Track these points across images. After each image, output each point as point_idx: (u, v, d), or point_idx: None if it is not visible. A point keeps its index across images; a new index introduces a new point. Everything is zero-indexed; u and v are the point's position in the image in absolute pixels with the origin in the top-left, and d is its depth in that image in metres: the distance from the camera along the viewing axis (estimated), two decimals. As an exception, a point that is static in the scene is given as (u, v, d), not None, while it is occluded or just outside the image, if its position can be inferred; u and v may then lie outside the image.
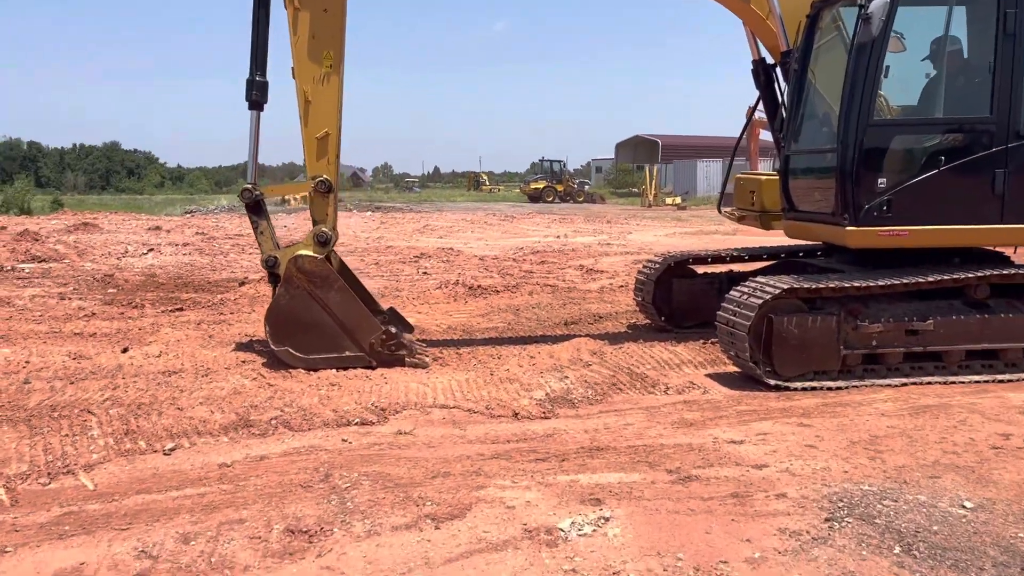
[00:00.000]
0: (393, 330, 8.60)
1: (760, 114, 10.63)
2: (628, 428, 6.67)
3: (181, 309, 11.90)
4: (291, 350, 8.45)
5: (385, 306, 12.04)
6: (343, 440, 6.30)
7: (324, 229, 8.67)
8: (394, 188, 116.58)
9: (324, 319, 8.50)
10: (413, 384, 7.90)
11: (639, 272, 10.79)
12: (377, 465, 5.73)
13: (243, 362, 8.75)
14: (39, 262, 15.46)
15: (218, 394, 7.45)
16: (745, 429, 6.61)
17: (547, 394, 7.57)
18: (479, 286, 13.79)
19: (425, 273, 15.53)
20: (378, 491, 5.22)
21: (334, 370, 8.40)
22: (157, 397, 7.34)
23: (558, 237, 25.73)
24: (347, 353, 8.54)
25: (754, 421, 6.85)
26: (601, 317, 11.46)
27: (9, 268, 14.46)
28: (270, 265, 8.65)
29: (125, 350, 9.10)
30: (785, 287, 7.77)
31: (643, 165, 65.63)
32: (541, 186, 60.94)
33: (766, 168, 28.51)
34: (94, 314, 11.23)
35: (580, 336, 9.95)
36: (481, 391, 7.67)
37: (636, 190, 62.63)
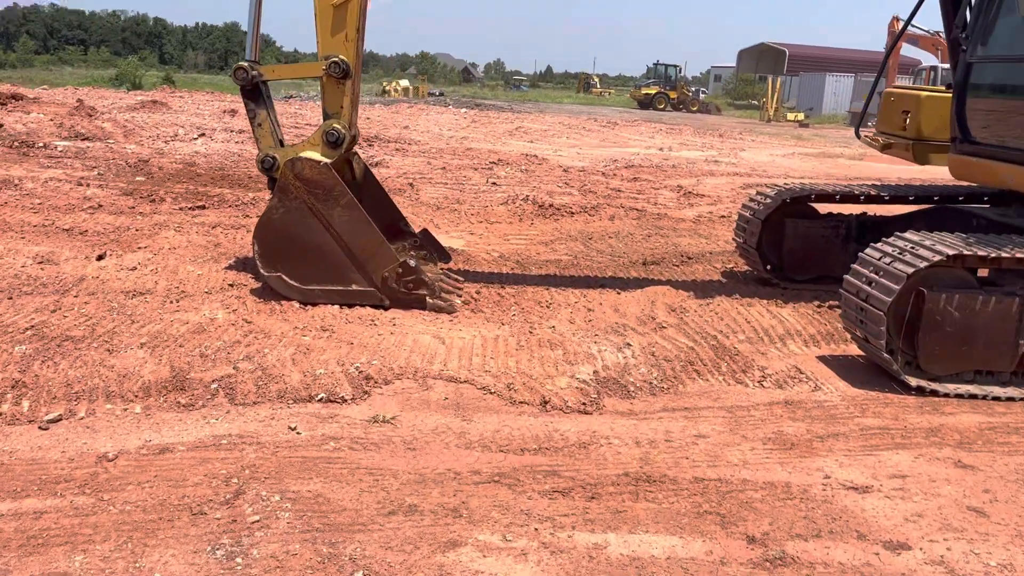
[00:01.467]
0: (412, 263, 6.70)
1: (912, 28, 7.94)
2: (699, 443, 4.64)
3: (203, 207, 10.32)
4: (284, 277, 6.69)
5: (430, 225, 10.19)
6: (290, 428, 4.51)
7: (336, 126, 6.74)
8: (503, 86, 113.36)
9: (326, 242, 6.66)
10: (425, 338, 6.04)
11: (744, 206, 8.48)
12: (318, 480, 3.93)
13: (231, 284, 7.07)
14: (81, 140, 14.22)
15: (172, 331, 5.78)
16: (873, 463, 4.49)
17: (595, 373, 5.58)
18: (551, 205, 11.70)
19: (494, 184, 13.51)
20: (294, 538, 3.42)
21: (337, 307, 6.63)
22: (94, 330, 5.73)
23: (660, 150, 23.10)
24: (353, 287, 6.72)
25: (886, 449, 4.71)
26: (691, 258, 9.25)
27: (42, 145, 13.23)
28: (267, 167, 6.82)
29: (100, 257, 7.55)
30: (950, 251, 5.44)
31: (766, 76, 60.60)
32: (652, 92, 57.04)
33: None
34: (100, 206, 9.77)
35: (659, 283, 7.86)
36: (509, 359, 5.74)
37: (756, 102, 58.06)
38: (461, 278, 7.81)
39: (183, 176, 12.11)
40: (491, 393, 5.16)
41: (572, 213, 11.47)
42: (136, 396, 4.75)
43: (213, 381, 4.99)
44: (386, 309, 6.71)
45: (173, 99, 24.24)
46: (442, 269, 7.89)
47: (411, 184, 12.61)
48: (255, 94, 6.90)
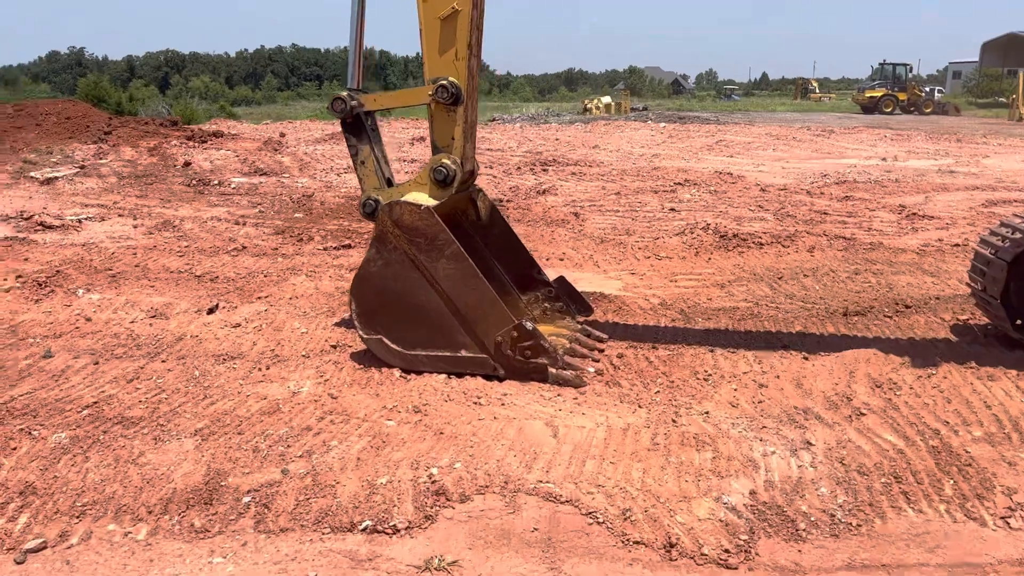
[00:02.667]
0: (529, 326, 5.43)
1: None
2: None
3: (349, 246, 9.67)
4: (385, 340, 5.67)
5: (588, 262, 8.90)
6: (309, 576, 3.39)
7: (445, 161, 5.66)
8: (713, 97, 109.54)
9: (431, 299, 5.57)
10: (534, 425, 4.75)
11: (983, 240, 6.44)
12: None
13: (335, 346, 6.17)
14: (258, 175, 14.30)
15: (240, 412, 4.91)
16: None
17: (753, 493, 4.02)
18: (736, 234, 9.99)
19: (672, 210, 11.94)
20: None
21: (444, 376, 5.52)
22: (157, 409, 4.97)
23: (883, 160, 20.29)
24: (463, 353, 5.57)
25: None
26: (909, 306, 7.26)
27: (217, 182, 13.37)
28: (369, 212, 5.85)
29: (211, 311, 6.93)
30: None
31: (1015, 70, 53.49)
32: (878, 94, 51.99)
33: None
34: (244, 248, 9.36)
35: (863, 343, 6.12)
36: (635, 465, 4.31)
37: (1003, 100, 51.41)
38: (605, 336, 6.45)
39: (341, 212, 11.63)
40: (598, 523, 3.78)
41: (761, 244, 9.70)
42: (149, 513, 3.84)
43: (249, 492, 4.00)
44: (500, 380, 5.51)
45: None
46: (582, 323, 6.58)
47: (576, 214, 11.37)
48: (356, 127, 5.96)
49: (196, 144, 16.84)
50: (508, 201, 11.62)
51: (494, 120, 45.45)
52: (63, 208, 11.17)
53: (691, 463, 4.31)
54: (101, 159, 14.99)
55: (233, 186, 13.32)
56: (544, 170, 15.58)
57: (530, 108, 65.11)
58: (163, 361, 5.80)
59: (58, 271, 7.91)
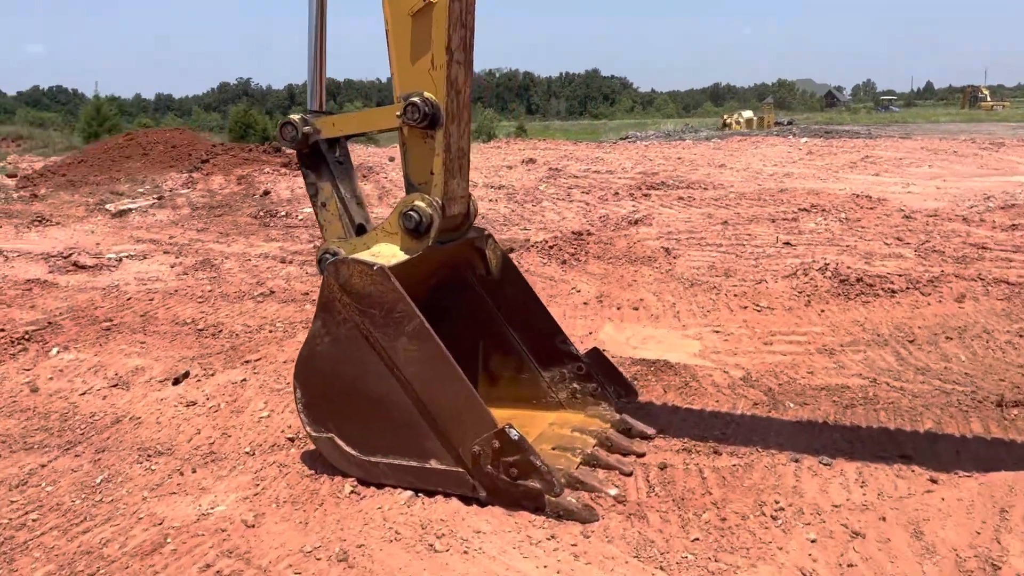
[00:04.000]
0: (514, 435, 3.88)
1: None
2: None
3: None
4: (338, 440, 4.28)
5: (666, 315, 7.24)
6: None
7: (419, 204, 4.25)
8: (869, 109, 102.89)
9: (390, 390, 4.14)
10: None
11: None
12: None
13: (294, 439, 4.85)
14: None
15: (107, 551, 3.66)
16: None
17: None
18: (862, 279, 7.99)
19: (788, 244, 9.97)
20: None
21: (412, 493, 4.09)
22: (12, 539, 3.79)
23: (1064, 177, 17.25)
24: (432, 463, 4.10)
25: None
26: (1097, 391, 5.18)
27: (284, 214, 12.52)
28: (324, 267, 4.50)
29: (177, 380, 5.78)
30: None
31: None
32: (1059, 100, 46.48)
33: None
34: (272, 292, 8.28)
35: None
36: None
37: None
38: (651, 431, 4.80)
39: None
40: None
41: (893, 292, 7.68)
42: None
43: None
44: (482, 505, 4.00)
45: (483, 152, 23.53)
46: (624, 409, 4.95)
47: (667, 249, 9.64)
48: (314, 160, 4.64)
49: (288, 172, 16.23)
50: (589, 234, 10.06)
51: (626, 138, 43.78)
52: (115, 243, 10.56)
53: None
54: (186, 188, 14.57)
55: (300, 218, 12.44)
56: (646, 195, 13.87)
57: (668, 124, 62.83)
58: (76, 456, 4.65)
59: (50, 323, 7.05)
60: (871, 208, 12.65)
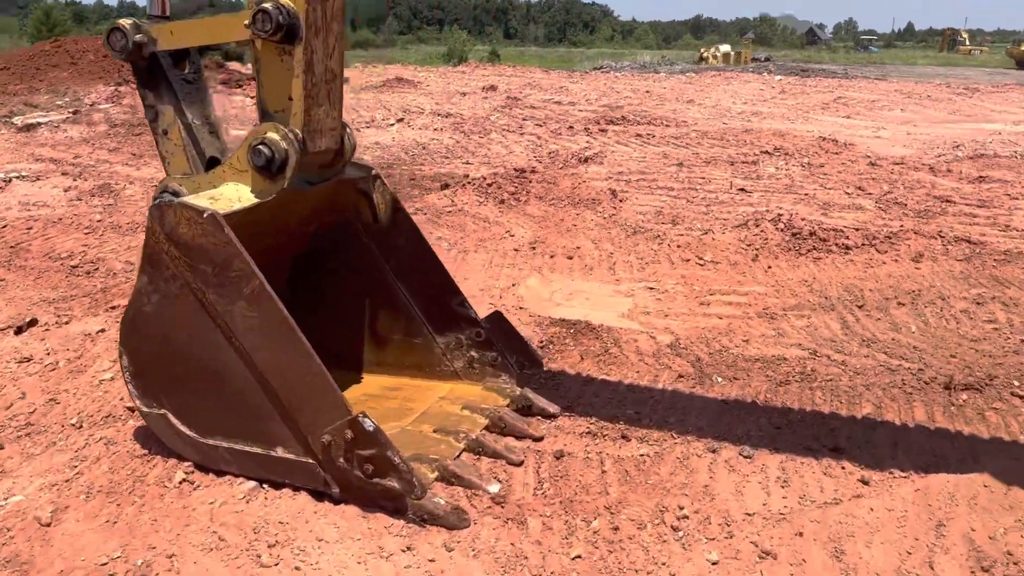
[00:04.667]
0: (369, 425, 3.21)
1: None
2: None
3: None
4: (171, 418, 3.60)
5: (602, 264, 6.60)
6: None
7: (272, 135, 3.48)
8: (850, 48, 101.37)
9: (229, 362, 3.44)
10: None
11: None
12: None
13: (132, 408, 4.14)
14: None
15: None
16: None
17: None
18: (815, 231, 7.35)
19: (743, 190, 9.29)
20: None
21: (255, 483, 3.44)
22: None
23: (1038, 126, 16.68)
24: (279, 451, 3.44)
25: None
26: (1059, 376, 4.63)
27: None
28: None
29: (20, 329, 5.03)
30: None
31: None
32: (1038, 47, 45.88)
33: None
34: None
35: (971, 455, 3.67)
36: None
37: None
38: (554, 409, 4.18)
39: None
40: None
41: (847, 248, 7.07)
42: None
43: None
44: (335, 502, 3.35)
45: (422, 77, 22.33)
46: (524, 382, 4.32)
47: (614, 192, 8.93)
48: (151, 76, 3.83)
49: (229, 89, 15.13)
50: (533, 172, 9.31)
51: (599, 68, 42.44)
52: (10, 162, 9.60)
53: None
54: (109, 103, 13.48)
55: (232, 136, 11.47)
56: (603, 131, 13.05)
57: (644, 56, 61.15)
58: None
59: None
60: (836, 153, 11.99)
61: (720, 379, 4.69)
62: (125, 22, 3.70)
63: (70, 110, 12.50)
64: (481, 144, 11.50)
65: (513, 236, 7.65)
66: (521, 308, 5.66)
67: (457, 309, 4.36)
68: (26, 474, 3.53)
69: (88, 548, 3.05)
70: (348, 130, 3.91)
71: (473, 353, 4.37)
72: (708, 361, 4.92)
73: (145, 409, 3.63)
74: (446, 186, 9.04)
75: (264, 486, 3.47)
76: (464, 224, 7.92)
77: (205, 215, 3.28)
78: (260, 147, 3.49)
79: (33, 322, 5.06)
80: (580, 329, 5.31)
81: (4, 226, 7.16)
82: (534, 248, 7.29)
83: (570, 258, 7.04)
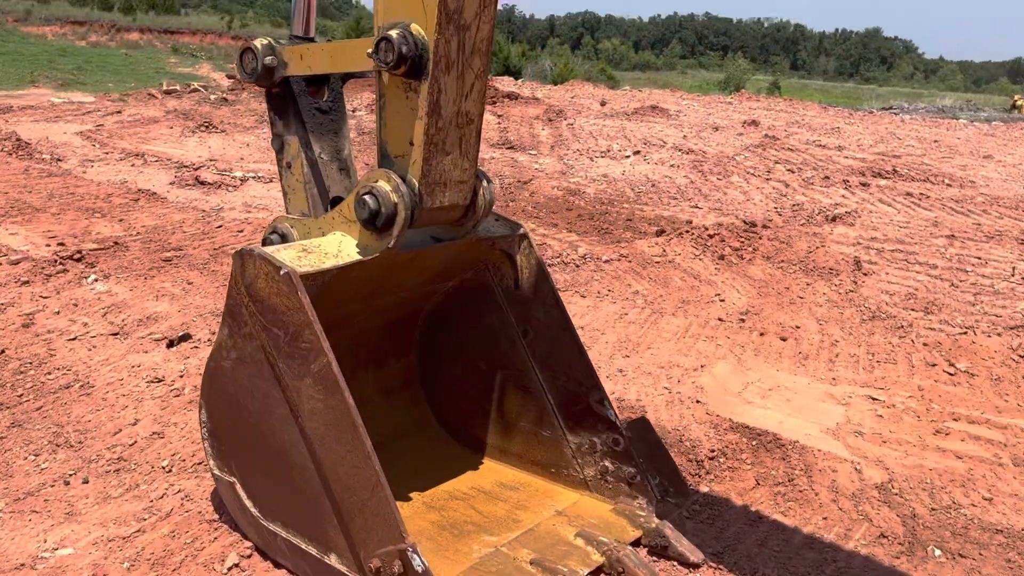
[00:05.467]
0: (418, 564, 2.55)
1: None
2: None
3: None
4: (239, 488, 3.18)
5: (802, 365, 5.53)
6: None
7: (382, 185, 2.94)
8: None
9: (294, 443, 2.93)
10: None
11: None
12: None
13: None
14: (500, 148, 12.13)
15: None
16: None
17: None
18: (1121, 353, 5.63)
19: (1028, 279, 7.50)
20: None
21: (311, 584, 2.94)
22: None
23: None
24: (332, 560, 2.88)
25: None
26: None
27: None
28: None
29: (171, 344, 4.93)
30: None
31: None
32: None
33: None
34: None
35: None
36: None
37: None
38: (696, 557, 3.29)
39: (544, 209, 9.09)
40: None
41: None
42: None
43: None
44: (383, 637, 2.73)
45: (678, 105, 21.20)
46: (666, 512, 3.46)
47: (859, 262, 7.58)
48: (282, 102, 3.44)
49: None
50: (765, 227, 8.20)
51: (888, 109, 38.85)
52: (258, 161, 10.08)
53: None
54: (368, 112, 14.04)
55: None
56: (865, 184, 11.42)
57: (945, 99, 55.38)
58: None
59: (116, 243, 6.52)
60: None
61: (938, 552, 3.51)
62: (259, 42, 3.34)
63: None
64: (717, 187, 10.46)
65: (723, 301, 6.67)
66: (698, 402, 4.73)
67: (595, 407, 3.58)
68: (91, 521, 3.26)
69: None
70: (485, 183, 3.28)
71: (607, 463, 3.57)
72: (927, 521, 3.73)
73: (216, 472, 3.24)
74: (662, 232, 8.18)
75: (312, 596, 2.93)
76: (670, 279, 7.05)
77: (282, 272, 2.80)
78: (366, 197, 2.96)
79: (185, 337, 4.97)
80: (765, 442, 4.31)
81: (219, 226, 7.38)
82: (743, 320, 6.26)
83: (783, 339, 5.95)
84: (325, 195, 3.44)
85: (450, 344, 3.96)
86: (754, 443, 4.31)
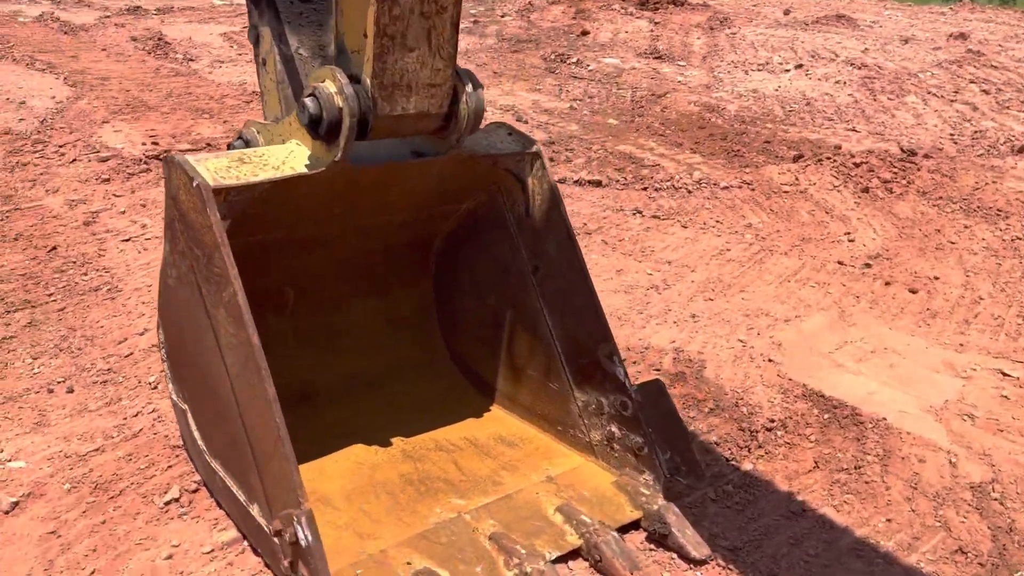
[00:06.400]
0: (305, 536, 2.16)
1: None
2: None
3: (599, 183, 6.59)
4: (190, 418, 2.93)
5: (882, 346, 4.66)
6: None
7: (324, 85, 2.48)
8: None
9: (220, 378, 2.60)
10: None
11: None
12: None
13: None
14: (653, 58, 11.09)
15: None
16: None
17: None
18: None
19: None
20: None
21: (240, 536, 2.69)
22: None
23: None
24: (254, 510, 2.56)
25: None
26: None
27: (575, 61, 10.65)
28: (248, 160, 2.97)
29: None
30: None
31: None
32: None
33: None
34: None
35: None
36: None
37: None
38: (700, 553, 2.73)
39: (673, 127, 8.23)
40: None
41: None
42: None
43: None
44: (298, 600, 2.42)
45: (897, 16, 18.70)
46: (674, 493, 2.90)
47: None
48: (259, -7, 3.01)
49: (634, 13, 14.14)
50: (927, 157, 6.97)
51: None
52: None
53: None
54: (516, 16, 13.42)
55: (591, 68, 10.55)
56: (953, 97, 9.57)
57: None
58: (7, 325, 3.88)
59: (209, 145, 6.48)
60: None
61: (1027, 582, 2.74)
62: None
63: (472, 20, 12.62)
64: (885, 108, 9.08)
65: (852, 242, 5.74)
66: (771, 360, 4.02)
67: (604, 362, 3.02)
68: (56, 434, 3.15)
69: (18, 563, 2.52)
70: (470, 87, 2.71)
71: (614, 428, 3.03)
72: (1022, 536, 2.94)
73: (174, 397, 3.01)
74: (799, 157, 7.18)
75: (246, 543, 2.66)
76: (795, 212, 6.16)
77: (194, 184, 2.42)
78: (307, 100, 2.51)
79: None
80: (840, 417, 3.58)
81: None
82: (869, 266, 5.35)
83: (913, 291, 5.01)
84: (300, 95, 3.02)
85: (463, 275, 3.51)
86: (826, 416, 3.59)
